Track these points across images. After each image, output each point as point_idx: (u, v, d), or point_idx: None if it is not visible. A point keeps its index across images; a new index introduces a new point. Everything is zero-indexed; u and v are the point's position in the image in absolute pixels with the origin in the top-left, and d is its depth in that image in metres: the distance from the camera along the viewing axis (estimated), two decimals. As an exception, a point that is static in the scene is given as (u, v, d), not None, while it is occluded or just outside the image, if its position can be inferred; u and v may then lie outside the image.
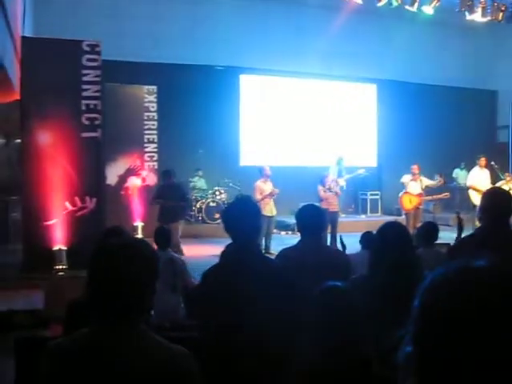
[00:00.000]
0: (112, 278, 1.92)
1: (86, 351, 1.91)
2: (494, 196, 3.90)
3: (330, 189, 11.91)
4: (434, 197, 13.72)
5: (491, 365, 0.88)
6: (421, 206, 13.26)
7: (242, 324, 3.01)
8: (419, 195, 13.08)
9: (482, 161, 14.19)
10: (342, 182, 12.89)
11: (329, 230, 11.09)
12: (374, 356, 2.26)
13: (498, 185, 13.45)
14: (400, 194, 13.31)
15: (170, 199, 10.50)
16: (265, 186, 11.86)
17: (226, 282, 3.18)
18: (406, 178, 13.36)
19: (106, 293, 1.93)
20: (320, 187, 11.92)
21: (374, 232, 3.67)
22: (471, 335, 0.89)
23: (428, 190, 13.55)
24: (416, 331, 0.96)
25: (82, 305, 3.33)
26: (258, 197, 11.39)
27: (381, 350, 2.18)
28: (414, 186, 13.12)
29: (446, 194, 13.88)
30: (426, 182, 13.34)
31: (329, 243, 10.55)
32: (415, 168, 13.23)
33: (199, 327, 3.47)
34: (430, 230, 6.50)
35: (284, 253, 4.26)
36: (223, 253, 3.32)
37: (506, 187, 13.71)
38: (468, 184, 14.12)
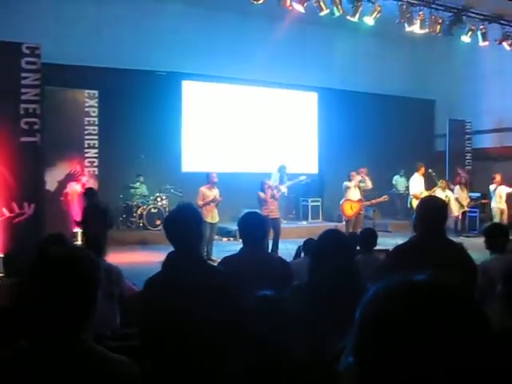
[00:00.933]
0: (53, 288, 1.87)
1: (26, 363, 1.86)
2: (428, 204, 4.01)
3: (271, 191, 12.02)
4: (373, 201, 13.95)
5: (430, 376, 0.91)
6: (362, 212, 13.50)
7: (183, 331, 3.02)
8: (359, 201, 13.31)
9: (422, 168, 14.62)
10: (284, 189, 12.97)
11: (271, 236, 11.15)
12: (311, 362, 2.30)
13: (431, 191, 13.97)
14: (341, 202, 13.50)
15: (95, 224, 9.39)
16: (209, 193, 11.79)
17: (167, 290, 3.18)
18: (349, 184, 13.55)
19: (46, 303, 1.88)
20: (260, 193, 11.98)
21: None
22: (410, 346, 0.92)
23: (367, 195, 13.81)
24: (356, 343, 0.98)
25: (5, 313, 3.24)
26: (200, 203, 11.33)
27: (318, 356, 2.23)
28: (354, 193, 13.35)
29: (384, 197, 14.15)
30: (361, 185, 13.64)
31: (270, 250, 10.60)
32: (353, 175, 13.49)
33: (139, 335, 3.46)
34: (369, 237, 6.63)
35: (226, 260, 4.29)
36: (165, 261, 3.32)
37: (441, 193, 14.16)
38: (412, 193, 14.50)
